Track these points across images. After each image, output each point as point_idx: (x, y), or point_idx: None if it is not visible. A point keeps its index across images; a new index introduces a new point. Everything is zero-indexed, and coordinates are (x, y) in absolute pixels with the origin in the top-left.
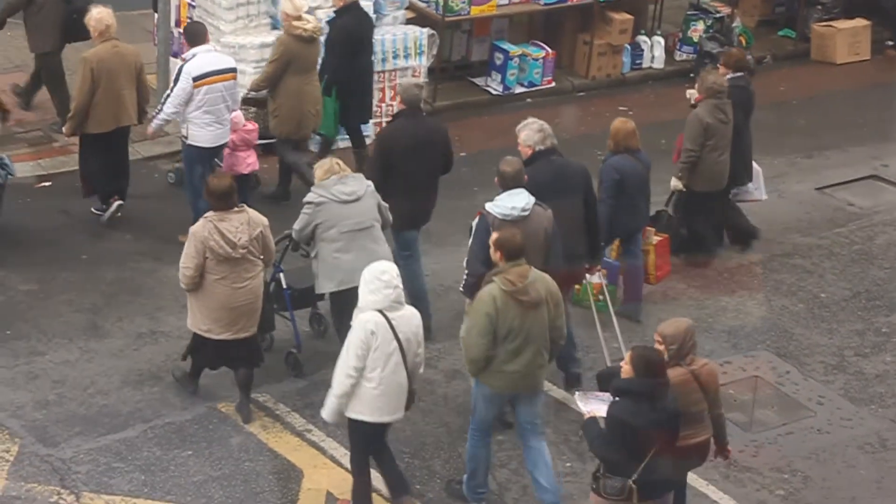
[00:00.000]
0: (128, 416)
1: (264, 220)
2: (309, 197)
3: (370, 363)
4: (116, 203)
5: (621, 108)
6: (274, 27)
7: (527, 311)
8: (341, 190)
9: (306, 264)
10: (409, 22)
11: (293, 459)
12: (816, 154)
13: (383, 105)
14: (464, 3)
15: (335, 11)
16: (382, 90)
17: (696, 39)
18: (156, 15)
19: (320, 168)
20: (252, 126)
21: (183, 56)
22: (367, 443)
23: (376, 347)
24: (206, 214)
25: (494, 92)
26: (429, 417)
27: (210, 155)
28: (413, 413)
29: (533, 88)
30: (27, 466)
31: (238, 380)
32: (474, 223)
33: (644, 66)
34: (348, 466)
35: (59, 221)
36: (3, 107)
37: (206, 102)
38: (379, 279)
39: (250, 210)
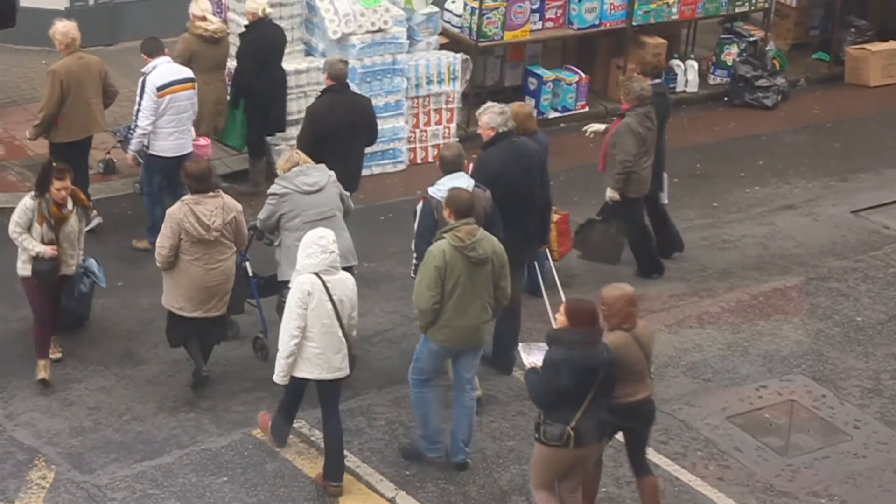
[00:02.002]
0: (163, 443)
1: (238, 205)
2: (273, 188)
3: (308, 323)
4: (96, 221)
5: None
6: (308, 53)
7: (473, 267)
8: (304, 181)
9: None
10: (442, 47)
11: None
12: (851, 177)
13: (417, 130)
14: (497, 28)
15: (246, 25)
16: (416, 115)
17: (729, 63)
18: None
19: (282, 159)
20: (204, 141)
21: (143, 70)
22: (298, 397)
23: (312, 308)
24: (183, 197)
25: None
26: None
27: (171, 165)
28: (447, 439)
29: (566, 113)
30: (63, 493)
31: (201, 347)
32: (419, 207)
33: (678, 89)
34: (384, 493)
35: (94, 249)
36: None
37: (170, 111)
38: (316, 244)
39: (225, 196)
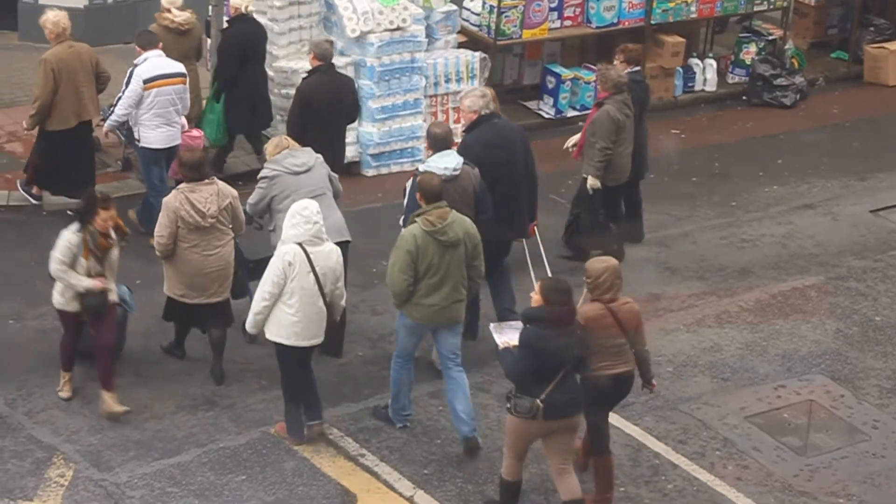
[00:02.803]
0: (182, 441)
1: (233, 191)
2: (263, 172)
3: (288, 291)
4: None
5: (673, 130)
6: None
7: (445, 250)
8: (292, 162)
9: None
10: (461, 46)
11: (346, 484)
12: (870, 176)
13: None
14: (516, 26)
15: (228, 21)
16: (435, 114)
17: (748, 62)
18: (208, 41)
19: (272, 144)
20: (197, 133)
21: (134, 61)
22: (291, 365)
23: (293, 277)
24: (178, 186)
25: (546, 115)
26: (483, 441)
27: (164, 155)
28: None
29: (585, 112)
30: (82, 491)
31: (211, 341)
32: (408, 185)
33: (696, 88)
34: (402, 492)
35: None
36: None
37: (156, 105)
38: (300, 214)
39: (220, 182)
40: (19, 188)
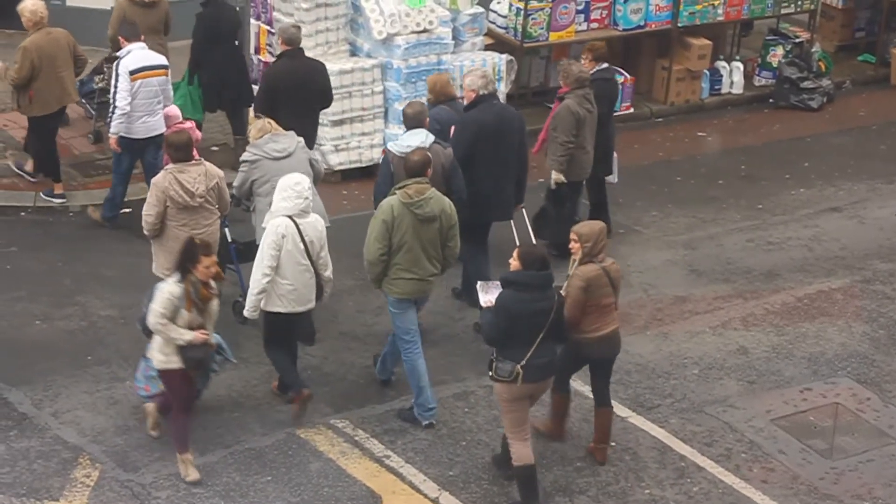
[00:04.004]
0: (208, 442)
1: (220, 172)
2: (244, 156)
3: (282, 262)
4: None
5: (700, 133)
6: (353, 54)
7: (420, 224)
8: (273, 147)
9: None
10: (487, 48)
11: (372, 486)
12: None
13: None
14: (542, 29)
15: (201, 4)
16: None
17: (775, 65)
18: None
19: (255, 128)
20: (189, 124)
21: (118, 53)
22: (276, 331)
23: (287, 248)
24: (167, 167)
25: None
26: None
27: (141, 146)
28: (492, 440)
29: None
30: (107, 492)
31: None
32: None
33: (723, 91)
34: (428, 493)
35: (138, 248)
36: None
37: (140, 95)
38: (292, 189)
39: (207, 163)
40: (43, 196)
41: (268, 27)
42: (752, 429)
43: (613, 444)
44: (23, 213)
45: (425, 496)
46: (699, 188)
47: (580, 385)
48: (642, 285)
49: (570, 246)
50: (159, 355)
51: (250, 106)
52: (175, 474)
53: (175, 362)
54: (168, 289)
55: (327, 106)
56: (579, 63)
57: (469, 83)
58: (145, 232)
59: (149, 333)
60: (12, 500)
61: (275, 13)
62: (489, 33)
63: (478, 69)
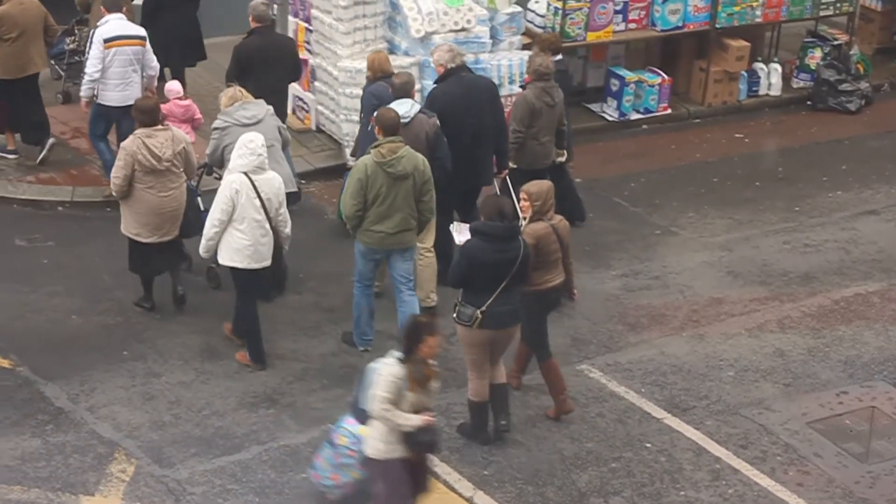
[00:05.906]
0: (243, 438)
1: (187, 137)
2: (215, 123)
3: (238, 217)
4: (50, 141)
5: (737, 134)
6: (390, 52)
7: (394, 182)
8: (243, 115)
9: None
10: (525, 47)
11: None
12: None
13: None
14: (580, 28)
15: None
16: None
17: (813, 67)
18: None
19: (226, 96)
20: (186, 101)
21: (97, 23)
22: (246, 285)
23: (242, 203)
24: (135, 131)
25: (610, 118)
26: (542, 444)
27: (117, 114)
28: (527, 439)
29: (649, 115)
30: (143, 487)
31: (170, 273)
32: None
33: (761, 93)
34: (462, 492)
35: None
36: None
37: (115, 64)
38: (246, 146)
39: (174, 128)
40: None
41: (306, 24)
42: (788, 431)
43: (649, 444)
44: (60, 208)
45: (460, 495)
46: (736, 190)
47: (615, 385)
48: (679, 287)
49: (521, 204)
50: (380, 445)
51: (194, 66)
52: (210, 470)
53: (398, 451)
54: (391, 371)
55: (297, 79)
56: (544, 55)
57: (437, 58)
58: (113, 193)
59: (362, 419)
60: (48, 494)
61: (313, 10)
62: (527, 32)
63: (444, 44)
